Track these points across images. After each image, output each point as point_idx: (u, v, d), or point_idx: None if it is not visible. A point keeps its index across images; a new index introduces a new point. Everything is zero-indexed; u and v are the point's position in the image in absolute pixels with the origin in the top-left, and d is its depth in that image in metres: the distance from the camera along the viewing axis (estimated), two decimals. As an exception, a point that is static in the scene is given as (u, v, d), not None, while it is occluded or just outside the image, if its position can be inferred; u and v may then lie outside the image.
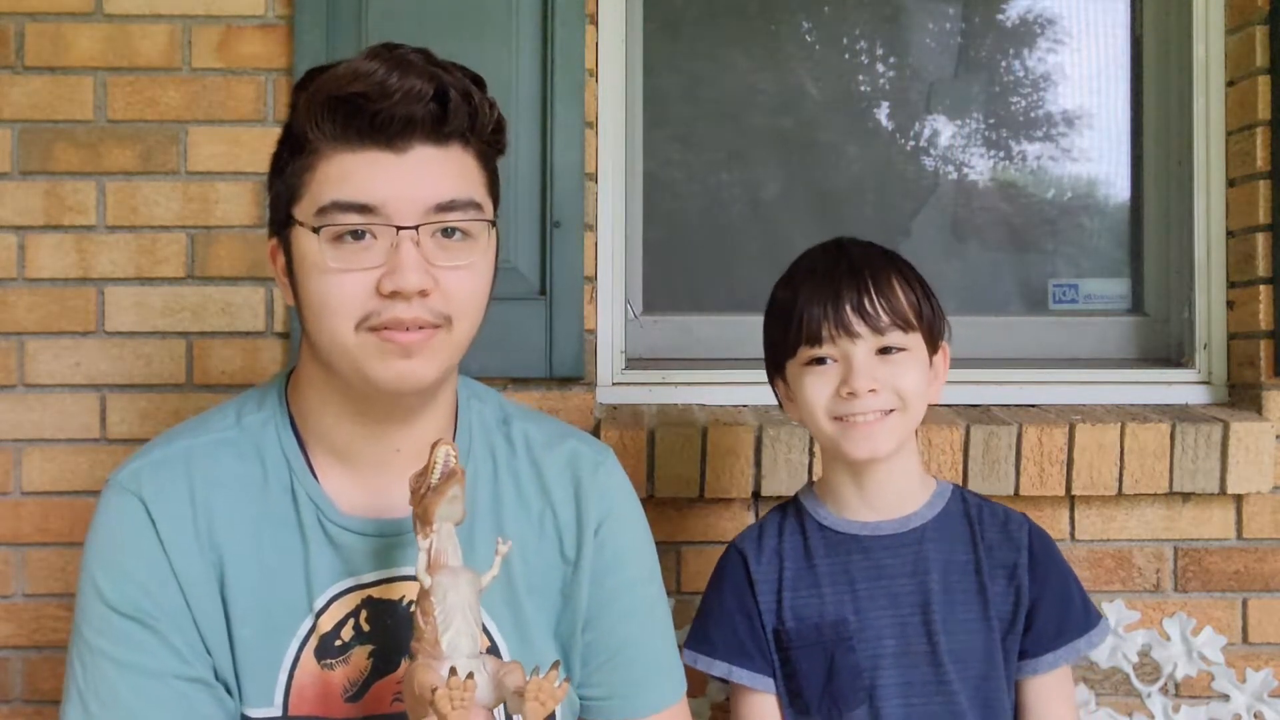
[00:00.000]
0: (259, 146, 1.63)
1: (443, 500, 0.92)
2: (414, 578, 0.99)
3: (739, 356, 1.85)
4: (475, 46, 1.61)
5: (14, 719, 1.62)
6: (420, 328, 0.98)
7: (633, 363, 1.82)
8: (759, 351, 1.84)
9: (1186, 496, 1.69)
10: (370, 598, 1.06)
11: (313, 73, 1.04)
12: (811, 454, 1.62)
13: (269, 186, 1.07)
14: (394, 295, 0.97)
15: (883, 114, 1.98)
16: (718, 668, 1.26)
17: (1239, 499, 1.71)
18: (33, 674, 1.62)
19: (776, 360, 1.28)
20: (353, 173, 0.98)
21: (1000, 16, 1.99)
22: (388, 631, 1.06)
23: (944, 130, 1.97)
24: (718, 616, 1.28)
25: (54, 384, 1.63)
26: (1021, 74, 1.99)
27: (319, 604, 1.04)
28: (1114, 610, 1.66)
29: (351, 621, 1.05)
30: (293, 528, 1.05)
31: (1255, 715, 1.64)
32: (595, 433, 1.63)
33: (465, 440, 1.14)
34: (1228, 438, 1.64)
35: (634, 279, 1.86)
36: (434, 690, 0.85)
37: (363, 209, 0.97)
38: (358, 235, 0.98)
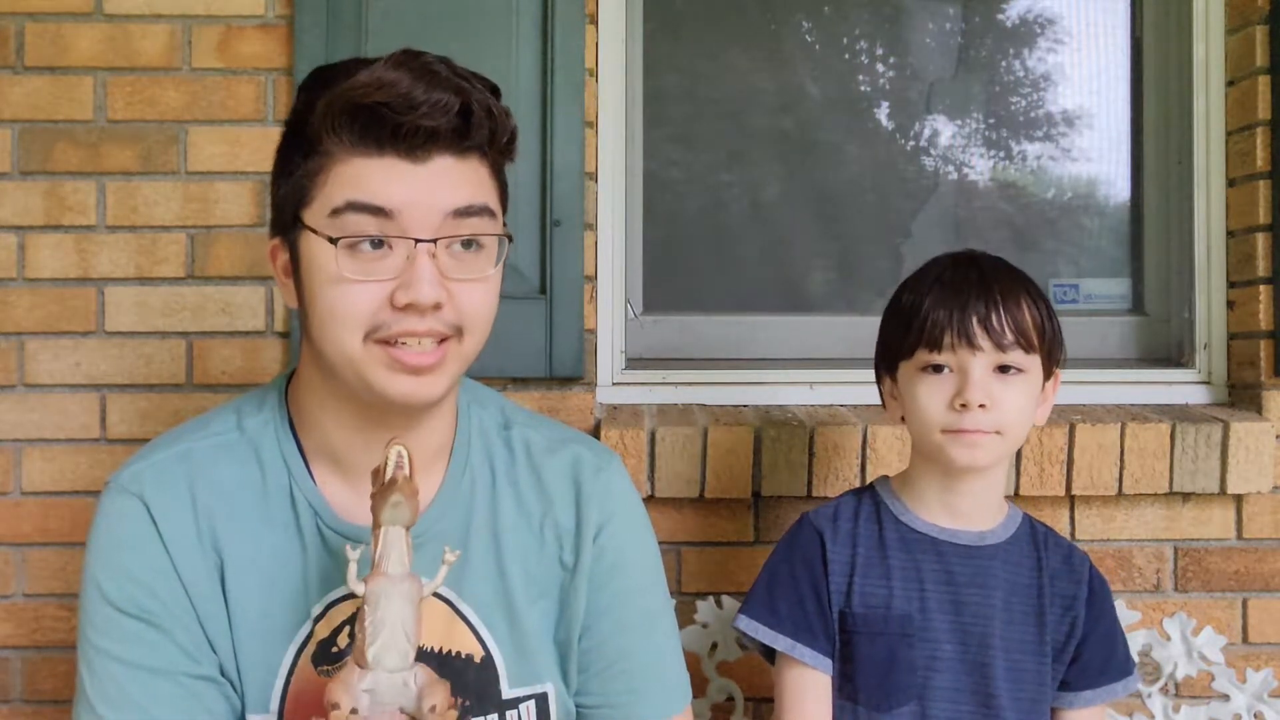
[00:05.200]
0: (259, 146, 1.63)
1: (386, 505, 0.90)
2: None
3: (739, 356, 1.85)
4: (475, 46, 1.61)
5: (14, 719, 1.62)
6: (434, 341, 0.98)
7: (633, 363, 1.82)
8: (759, 351, 1.86)
9: (1186, 496, 1.69)
10: None
11: (320, 72, 1.03)
12: (811, 454, 1.62)
13: (273, 185, 1.06)
14: (407, 308, 0.96)
15: (883, 114, 1.98)
16: (781, 642, 1.25)
17: (1239, 499, 1.71)
18: (33, 674, 1.62)
19: (890, 359, 1.29)
20: (369, 177, 0.96)
21: (1000, 16, 1.99)
22: None
23: (944, 130, 1.97)
24: (787, 590, 1.27)
25: (54, 384, 1.63)
26: (1021, 74, 1.99)
27: (317, 610, 1.04)
28: (1114, 610, 1.66)
29: (348, 629, 1.04)
30: (292, 533, 1.05)
31: (1255, 715, 1.64)
32: (595, 433, 1.63)
33: (464, 448, 1.13)
34: (1228, 438, 1.64)
35: (634, 279, 1.86)
36: None
37: (378, 211, 0.96)
38: (375, 244, 0.96)
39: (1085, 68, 1.97)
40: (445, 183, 0.98)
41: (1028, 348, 1.20)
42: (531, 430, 1.17)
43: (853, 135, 1.97)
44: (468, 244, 1.00)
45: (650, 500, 1.61)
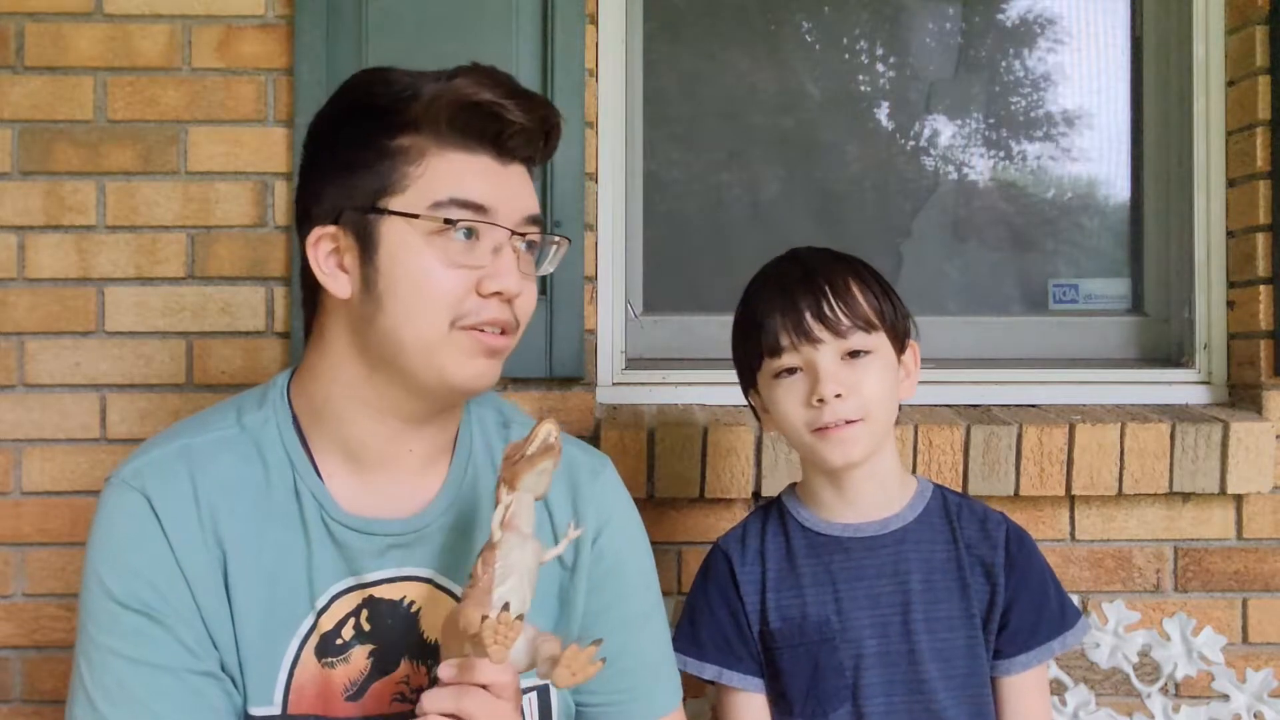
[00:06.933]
0: (259, 146, 1.63)
1: (533, 470, 0.95)
2: (419, 579, 1.05)
3: (739, 356, 1.85)
4: (475, 46, 1.61)
5: (14, 719, 1.62)
6: (503, 331, 1.04)
7: (633, 363, 1.82)
8: (759, 351, 1.86)
9: (1186, 496, 1.69)
10: (372, 597, 1.06)
11: (370, 75, 1.06)
12: (811, 454, 1.62)
13: (321, 176, 1.05)
14: (493, 296, 1.02)
15: (883, 114, 1.98)
16: (708, 670, 1.26)
17: (1239, 499, 1.71)
18: (32, 674, 1.62)
19: (747, 376, 1.29)
20: (468, 174, 1.03)
21: (1000, 16, 1.99)
22: (388, 631, 1.06)
23: (944, 130, 1.97)
24: (706, 618, 1.28)
25: (54, 384, 1.63)
26: (1021, 74, 1.99)
27: (320, 602, 1.04)
28: (1114, 610, 1.66)
29: (352, 620, 1.05)
30: (296, 526, 1.05)
31: (1255, 715, 1.64)
32: (595, 432, 1.63)
33: (466, 444, 1.14)
34: (1228, 438, 1.64)
35: (634, 279, 1.86)
36: (483, 618, 0.87)
37: (479, 208, 1.02)
38: (467, 234, 1.02)
39: (1085, 68, 1.97)
40: (523, 188, 1.08)
41: (868, 328, 1.20)
42: (527, 430, 1.18)
43: (853, 135, 1.97)
44: (530, 245, 1.09)
45: (650, 500, 1.62)
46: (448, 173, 1.02)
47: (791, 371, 1.21)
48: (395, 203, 1.01)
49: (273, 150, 1.64)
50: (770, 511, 1.32)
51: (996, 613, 1.23)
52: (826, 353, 1.19)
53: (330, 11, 1.62)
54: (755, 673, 1.25)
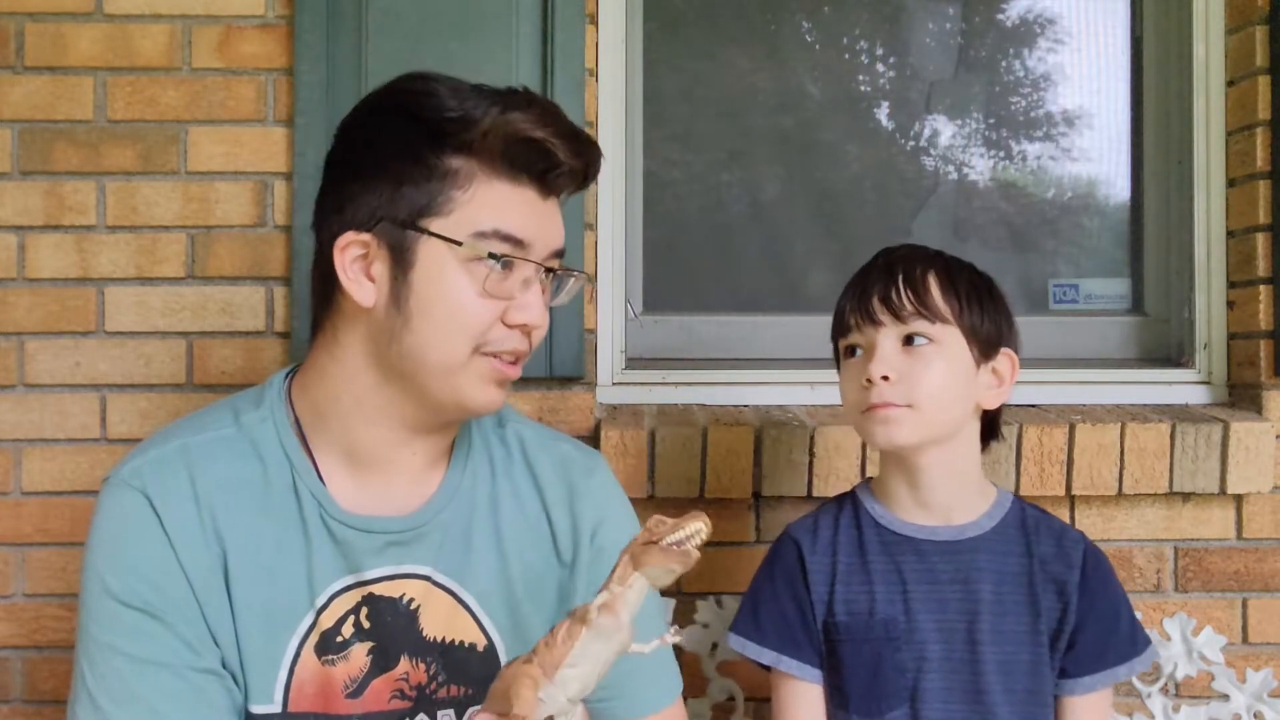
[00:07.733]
0: (259, 146, 1.63)
1: (664, 567, 0.87)
2: (419, 576, 1.07)
3: (739, 356, 1.85)
4: (475, 46, 1.61)
5: (14, 719, 1.62)
6: (516, 360, 1.06)
7: (633, 362, 1.82)
8: (759, 351, 1.86)
9: (1186, 496, 1.69)
10: (371, 594, 1.06)
11: (416, 85, 1.04)
12: (812, 454, 1.62)
13: (365, 179, 1.03)
14: (517, 328, 1.05)
15: (883, 114, 1.98)
16: (766, 655, 1.26)
17: (1239, 499, 1.71)
18: (33, 674, 1.62)
19: (836, 359, 1.32)
20: (513, 206, 1.04)
21: (1000, 16, 1.99)
22: (388, 628, 1.07)
23: (944, 130, 1.97)
24: (769, 604, 1.28)
25: (54, 384, 1.63)
26: (1021, 74, 1.99)
27: (320, 600, 1.05)
28: (1114, 610, 1.65)
29: (352, 618, 1.06)
30: (295, 525, 1.05)
31: (1255, 715, 1.64)
32: (595, 432, 1.63)
33: (464, 444, 1.15)
34: (1228, 438, 1.64)
35: (634, 279, 1.86)
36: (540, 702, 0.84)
37: (518, 243, 1.03)
38: (503, 266, 1.03)
39: (1085, 68, 1.97)
40: (556, 223, 1.09)
41: (933, 318, 1.20)
42: (523, 427, 1.21)
43: (853, 135, 1.97)
44: (550, 276, 1.10)
45: (650, 500, 1.61)
46: (494, 202, 1.02)
47: (853, 352, 1.24)
48: (438, 225, 1.01)
49: (273, 150, 1.64)
50: (844, 504, 1.32)
51: (1065, 632, 1.21)
52: (886, 336, 1.21)
53: (330, 11, 1.62)
54: (815, 663, 1.25)
